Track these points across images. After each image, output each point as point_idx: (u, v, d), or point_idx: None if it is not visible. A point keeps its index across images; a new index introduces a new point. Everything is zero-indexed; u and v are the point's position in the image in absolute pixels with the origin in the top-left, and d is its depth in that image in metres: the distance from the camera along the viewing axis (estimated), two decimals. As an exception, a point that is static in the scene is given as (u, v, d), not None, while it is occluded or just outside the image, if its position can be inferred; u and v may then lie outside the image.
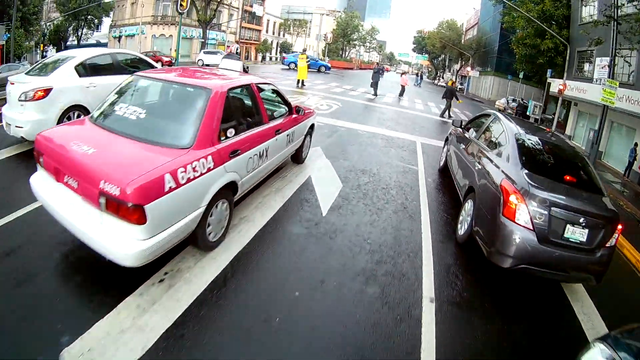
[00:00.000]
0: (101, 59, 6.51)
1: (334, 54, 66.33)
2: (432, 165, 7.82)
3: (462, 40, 54.16)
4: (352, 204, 5.13)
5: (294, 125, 5.28)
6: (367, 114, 13.03)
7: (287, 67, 33.62)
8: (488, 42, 45.54)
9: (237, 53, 11.60)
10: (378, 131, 10.19)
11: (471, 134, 6.01)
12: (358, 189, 5.71)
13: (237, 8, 44.27)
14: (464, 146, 5.78)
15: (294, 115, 5.29)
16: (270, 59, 58.99)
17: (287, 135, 5.02)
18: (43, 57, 30.17)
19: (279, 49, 64.74)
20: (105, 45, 38.40)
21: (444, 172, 7.11)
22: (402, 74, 25.90)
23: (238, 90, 4.11)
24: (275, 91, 5.17)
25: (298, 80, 18.37)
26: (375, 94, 19.53)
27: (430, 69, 72.83)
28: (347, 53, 72.17)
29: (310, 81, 21.48)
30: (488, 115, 5.96)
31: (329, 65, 36.53)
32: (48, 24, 35.32)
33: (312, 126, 6.37)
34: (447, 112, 16.53)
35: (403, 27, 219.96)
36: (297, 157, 6.14)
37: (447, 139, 7.52)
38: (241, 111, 4.07)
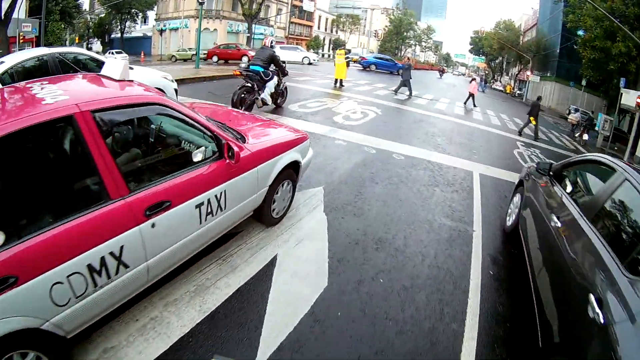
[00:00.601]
0: (34, 62, 5.63)
1: (388, 52, 63.38)
2: (495, 222, 5.14)
3: (520, 42, 50.17)
4: (328, 336, 2.64)
5: (229, 179, 2.93)
6: (411, 126, 10.34)
7: (364, 68, 30.28)
8: (548, 44, 41.61)
9: (271, 46, 9.77)
10: (421, 154, 7.58)
11: (571, 196, 3.35)
12: (356, 290, 3.18)
13: (286, 3, 42.79)
14: (557, 219, 3.08)
15: (227, 161, 2.85)
16: (323, 55, 57.56)
17: (203, 206, 2.68)
18: (88, 49, 30.56)
19: (331, 45, 62.92)
20: (149, 38, 38.68)
21: (515, 239, 4.29)
22: (472, 79, 21.87)
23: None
24: (178, 117, 2.67)
25: (335, 80, 16.07)
26: (410, 94, 16.71)
27: (487, 72, 68.70)
28: (402, 52, 68.96)
29: (353, 81, 19.13)
30: (603, 165, 3.15)
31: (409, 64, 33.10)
32: (92, 16, 35.95)
33: (294, 166, 3.95)
34: (534, 131, 13.90)
35: (460, 28, 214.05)
36: (263, 215, 3.75)
37: (519, 185, 4.99)
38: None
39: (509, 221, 4.87)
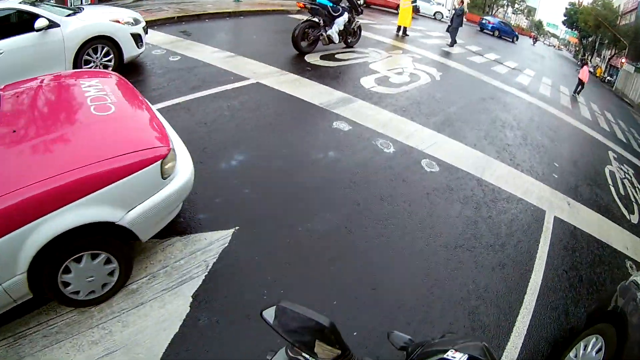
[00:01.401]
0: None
1: (479, 9, 55.73)
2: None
3: (618, 24, 42.63)
4: None
5: None
6: (475, 106, 7.25)
7: (481, 30, 26.54)
8: None
9: None
10: (473, 164, 4.83)
11: None
12: None
13: None
14: None
15: None
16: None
17: None
18: None
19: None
20: None
21: None
22: (584, 64, 16.51)
23: None
24: None
25: (398, 27, 12.75)
26: (453, 43, 13.32)
27: (577, 48, 60.61)
28: (493, 11, 61.16)
29: (422, 31, 15.41)
30: None
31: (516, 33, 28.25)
32: None
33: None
34: None
35: None
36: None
37: (601, 316, 2.39)
38: None
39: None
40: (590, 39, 57.02)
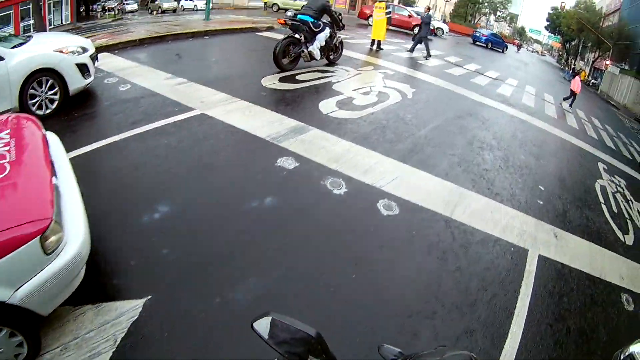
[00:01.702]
0: None
1: (461, 18, 56.37)
2: None
3: (601, 26, 43.19)
4: None
5: None
6: (450, 126, 6.58)
7: (474, 43, 27.62)
8: (631, 34, 35.58)
9: None
10: (441, 201, 4.15)
11: None
12: None
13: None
14: None
15: None
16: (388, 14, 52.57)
17: None
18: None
19: (400, 2, 56.61)
20: None
21: None
22: (575, 74, 16.04)
23: None
24: None
25: (372, 41, 12.28)
26: (428, 56, 12.72)
27: (560, 53, 62.04)
28: (475, 20, 62.02)
29: (399, 44, 14.97)
30: None
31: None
32: None
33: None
34: None
35: (537, 2, 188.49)
36: None
37: None
38: None
39: None
40: (573, 43, 57.92)
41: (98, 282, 2.52)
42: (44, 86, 4.69)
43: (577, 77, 14.47)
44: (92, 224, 2.33)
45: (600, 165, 7.81)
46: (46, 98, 4.75)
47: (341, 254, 3.12)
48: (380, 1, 12.29)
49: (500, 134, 7.07)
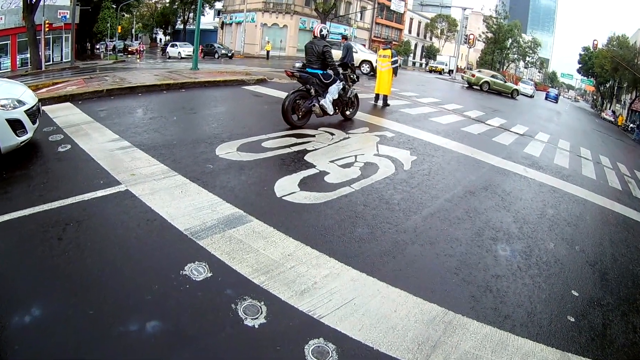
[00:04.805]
0: None
1: (488, 65, 55.41)
2: None
3: (637, 62, 40.48)
4: None
5: None
6: (450, 213, 5.02)
7: (554, 101, 36.87)
8: None
9: (322, 36, 6.47)
10: (401, 348, 2.43)
11: None
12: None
13: (371, 1, 37.91)
14: None
15: None
16: (414, 64, 53.48)
17: None
18: (152, 39, 30.47)
19: (423, 52, 56.95)
20: (215, 31, 36.87)
21: None
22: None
23: None
24: None
25: (376, 96, 11.10)
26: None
27: (595, 97, 59.04)
28: (504, 67, 60.66)
29: (411, 98, 13.74)
30: None
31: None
32: (159, 4, 35.46)
33: None
34: None
35: (568, 45, 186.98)
36: None
37: None
38: None
39: None
40: (608, 85, 55.26)
41: None
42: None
43: None
44: None
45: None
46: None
47: None
48: (384, 48, 11.20)
49: (523, 215, 5.38)
